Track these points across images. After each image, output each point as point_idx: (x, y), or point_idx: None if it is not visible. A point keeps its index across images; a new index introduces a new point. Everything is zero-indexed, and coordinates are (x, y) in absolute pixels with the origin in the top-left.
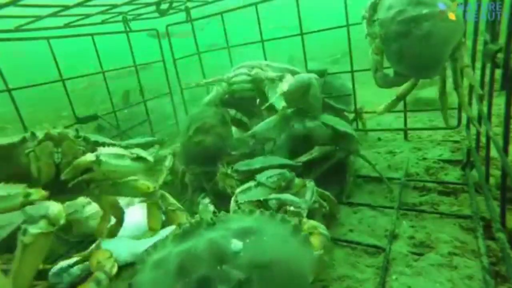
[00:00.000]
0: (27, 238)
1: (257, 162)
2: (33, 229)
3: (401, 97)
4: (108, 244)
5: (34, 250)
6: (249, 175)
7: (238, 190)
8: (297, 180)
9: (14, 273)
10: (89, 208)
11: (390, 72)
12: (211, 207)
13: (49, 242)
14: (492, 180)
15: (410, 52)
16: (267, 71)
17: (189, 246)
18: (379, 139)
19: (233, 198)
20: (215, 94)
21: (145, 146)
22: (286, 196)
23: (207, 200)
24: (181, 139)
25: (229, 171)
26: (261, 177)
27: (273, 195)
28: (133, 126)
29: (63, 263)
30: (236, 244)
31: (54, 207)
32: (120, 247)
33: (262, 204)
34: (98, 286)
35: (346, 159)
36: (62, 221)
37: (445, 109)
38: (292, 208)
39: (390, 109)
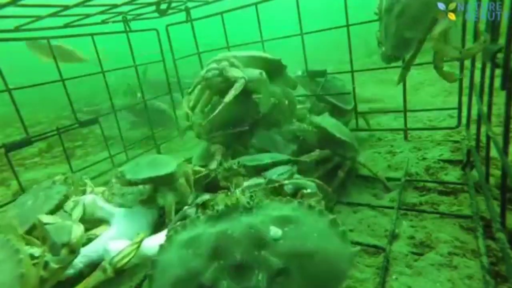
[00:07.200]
0: (46, 273)
1: (265, 158)
2: (54, 263)
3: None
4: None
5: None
6: (259, 169)
7: (246, 183)
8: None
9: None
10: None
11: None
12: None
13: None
14: (492, 180)
15: (390, 29)
16: (233, 66)
17: (225, 228)
18: (379, 139)
19: (238, 190)
20: (196, 95)
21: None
22: (302, 180)
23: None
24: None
25: (235, 166)
26: (272, 174)
27: (290, 181)
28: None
29: None
30: (276, 231)
31: (77, 231)
32: None
33: (278, 190)
34: (104, 273)
35: (342, 163)
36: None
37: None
38: (309, 190)
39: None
